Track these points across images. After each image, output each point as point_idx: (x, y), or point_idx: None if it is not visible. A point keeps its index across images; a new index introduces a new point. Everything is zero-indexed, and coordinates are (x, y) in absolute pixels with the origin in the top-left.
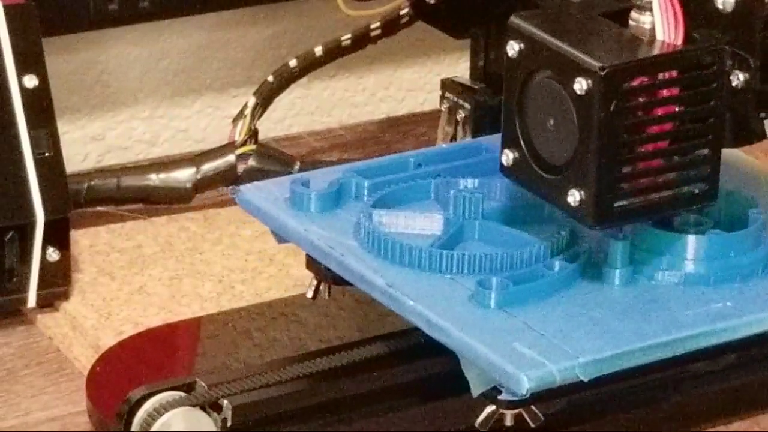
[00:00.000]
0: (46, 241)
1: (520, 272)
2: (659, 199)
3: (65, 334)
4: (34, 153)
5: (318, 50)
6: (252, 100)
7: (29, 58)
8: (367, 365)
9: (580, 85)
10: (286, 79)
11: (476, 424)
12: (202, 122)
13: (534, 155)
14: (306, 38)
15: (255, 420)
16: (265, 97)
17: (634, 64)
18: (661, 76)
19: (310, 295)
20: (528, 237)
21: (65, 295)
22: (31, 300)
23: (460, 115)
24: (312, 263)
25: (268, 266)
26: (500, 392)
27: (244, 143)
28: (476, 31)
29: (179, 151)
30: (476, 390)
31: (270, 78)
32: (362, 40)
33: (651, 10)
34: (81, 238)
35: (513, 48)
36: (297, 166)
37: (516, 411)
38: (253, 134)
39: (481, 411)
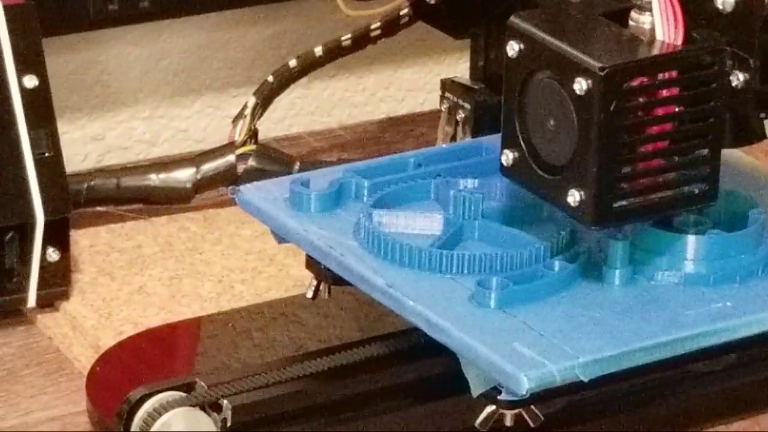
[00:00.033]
0: (46, 241)
1: (520, 272)
2: (659, 199)
3: (65, 334)
4: (34, 153)
5: (318, 50)
6: (252, 100)
7: (29, 58)
8: (367, 365)
9: (580, 85)
10: (286, 79)
11: (476, 424)
12: (202, 122)
13: (534, 155)
14: (306, 38)
15: (255, 420)
16: (265, 97)
17: (633, 64)
18: (660, 76)
19: (310, 295)
20: (528, 237)
21: (65, 295)
22: (31, 300)
23: (460, 115)
24: (312, 263)
25: (268, 266)
26: (500, 392)
27: (244, 143)
28: (476, 31)
29: (179, 151)
30: (476, 390)
31: (270, 78)
32: (362, 40)
33: (651, 10)
34: (81, 238)
35: (513, 48)
36: (297, 166)
37: (516, 411)
38: (253, 134)
39: (481, 411)
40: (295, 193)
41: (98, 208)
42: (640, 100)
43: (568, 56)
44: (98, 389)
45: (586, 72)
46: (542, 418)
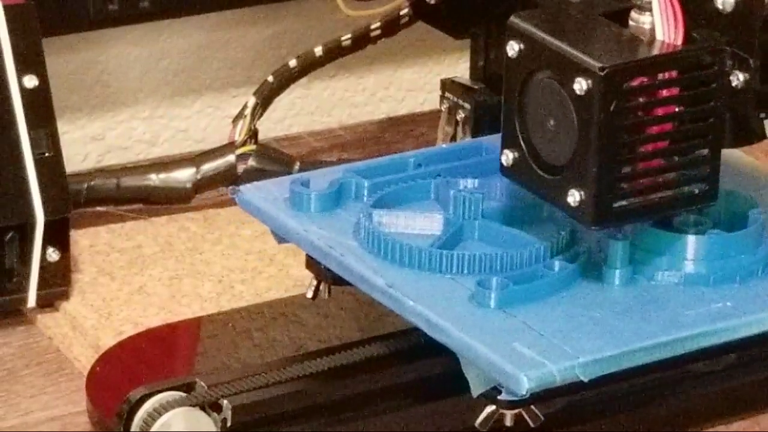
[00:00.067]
0: (46, 241)
1: (520, 272)
2: (659, 199)
3: (65, 334)
4: (34, 153)
5: (318, 50)
6: (252, 100)
7: (29, 58)
8: (367, 365)
9: (580, 85)
10: (286, 79)
11: (476, 424)
12: (202, 122)
13: (534, 155)
14: (306, 38)
15: (255, 420)
16: (265, 97)
17: (633, 64)
18: (660, 76)
19: (310, 295)
20: (528, 237)
21: (65, 295)
22: (31, 300)
23: (460, 115)
24: (312, 263)
25: (268, 266)
26: (500, 392)
27: (244, 143)
28: (476, 31)
29: (179, 151)
30: (476, 390)
31: (270, 78)
32: (362, 40)
33: (651, 10)
34: (81, 238)
35: (513, 48)
36: (297, 166)
37: (516, 411)
38: (253, 134)
39: (481, 411)
40: (295, 193)
41: (98, 208)
42: (640, 100)
43: (568, 56)
44: (98, 389)
45: (586, 72)
46: (542, 418)
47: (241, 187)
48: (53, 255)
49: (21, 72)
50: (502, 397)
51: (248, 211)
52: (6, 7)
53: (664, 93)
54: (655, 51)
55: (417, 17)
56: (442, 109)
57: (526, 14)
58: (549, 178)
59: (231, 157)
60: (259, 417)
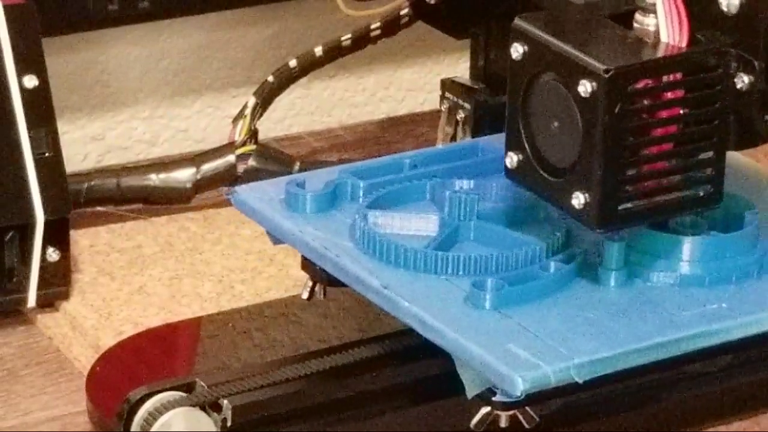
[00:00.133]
0: (46, 241)
1: (515, 273)
2: (664, 201)
3: (65, 334)
4: (34, 153)
5: (318, 50)
6: (252, 100)
7: (29, 58)
8: (366, 366)
9: (585, 87)
10: (286, 79)
11: (471, 426)
12: (202, 122)
13: (538, 158)
14: (306, 38)
15: (255, 420)
16: (265, 97)
17: (638, 66)
18: (665, 78)
19: (305, 296)
20: (523, 238)
21: (65, 295)
22: (31, 300)
23: (460, 115)
24: (307, 264)
25: (268, 266)
26: (495, 393)
27: (244, 143)
28: (476, 31)
29: (179, 151)
30: (471, 391)
31: (270, 78)
32: (362, 40)
33: (655, 12)
34: (81, 238)
35: (517, 50)
36: (297, 166)
37: (511, 412)
38: (253, 134)
39: (476, 412)
40: (290, 193)
41: (98, 208)
42: (645, 102)
43: (573, 58)
44: (98, 389)
45: (590, 74)
46: (537, 419)
47: (237, 188)
48: (53, 255)
49: (21, 72)
50: (497, 398)
51: (244, 211)
52: (6, 7)
53: (669, 95)
54: (660, 53)
55: (417, 17)
56: (442, 109)
57: (531, 16)
58: (553, 181)
59: (231, 157)
60: (259, 417)
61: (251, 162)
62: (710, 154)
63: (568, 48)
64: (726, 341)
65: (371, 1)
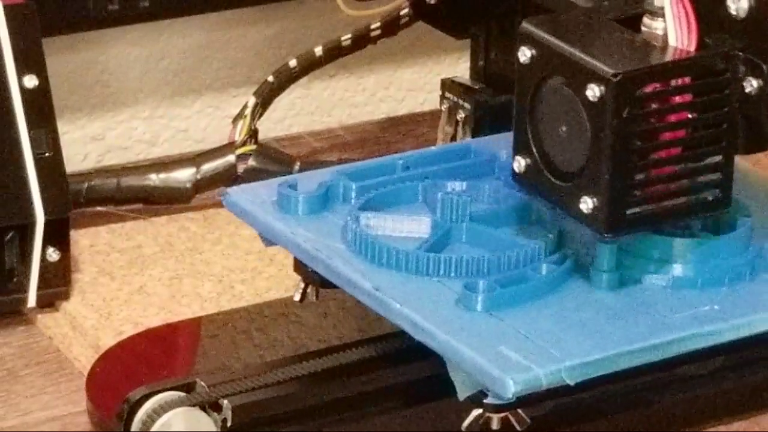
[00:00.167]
0: (46, 241)
1: (507, 275)
2: (672, 206)
3: (65, 334)
4: (34, 153)
5: (318, 50)
6: (252, 100)
7: (29, 58)
8: (356, 368)
9: (593, 91)
10: (286, 79)
11: (462, 428)
12: (202, 122)
13: (546, 162)
14: (306, 38)
15: (255, 420)
16: (265, 97)
17: (646, 70)
18: (673, 82)
19: (297, 298)
20: (515, 240)
21: (65, 295)
22: (31, 300)
23: (460, 115)
24: (299, 266)
25: (268, 266)
26: (487, 396)
27: (244, 143)
28: (476, 31)
29: (179, 151)
30: (462, 393)
31: (270, 78)
32: (362, 40)
33: (663, 15)
34: (81, 238)
35: (525, 54)
36: (297, 166)
37: (502, 414)
38: (253, 134)
39: (468, 414)
40: (282, 195)
41: (98, 208)
42: (653, 106)
43: (581, 62)
44: (98, 389)
45: (599, 78)
46: (529, 421)
47: (229, 190)
48: (53, 255)
49: (21, 72)
50: (489, 400)
51: (236, 213)
52: (6, 7)
53: (677, 99)
54: (668, 57)
55: (417, 17)
56: (442, 109)
57: (538, 20)
58: (561, 185)
59: (231, 157)
60: (259, 417)
61: (251, 162)
62: (718, 158)
63: (576, 52)
64: (718, 343)
65: (371, 1)
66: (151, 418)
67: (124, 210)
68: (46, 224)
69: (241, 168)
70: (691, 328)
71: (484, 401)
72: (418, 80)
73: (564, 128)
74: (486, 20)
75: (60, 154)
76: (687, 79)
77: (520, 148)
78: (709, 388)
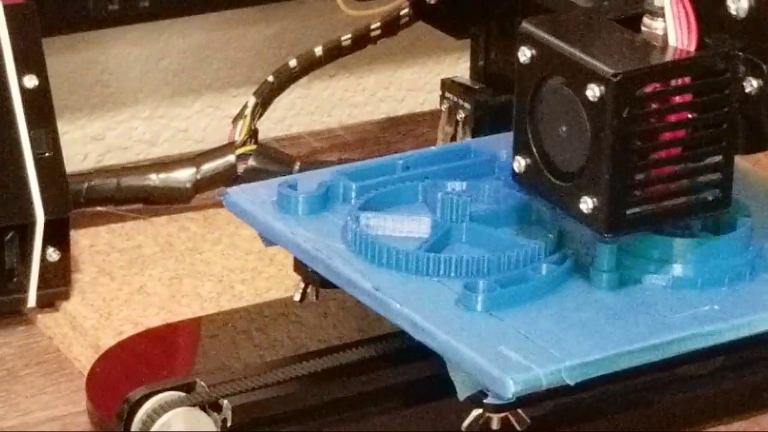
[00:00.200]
0: (46, 241)
1: (507, 275)
2: (672, 206)
3: (65, 334)
4: (34, 153)
5: (318, 50)
6: (252, 100)
7: (29, 58)
8: (356, 368)
9: (593, 91)
10: (286, 79)
11: (462, 428)
12: (202, 122)
13: (546, 162)
14: (306, 38)
15: (255, 420)
16: (265, 97)
17: (646, 70)
18: (673, 82)
19: (297, 298)
20: (515, 240)
21: (65, 295)
22: (31, 300)
23: (460, 115)
24: (299, 266)
25: (268, 266)
26: (487, 396)
27: (244, 143)
28: (476, 31)
29: (179, 151)
30: (462, 393)
31: (270, 78)
32: (362, 40)
33: (663, 15)
34: (81, 238)
35: (525, 54)
36: (297, 166)
37: (502, 414)
38: (253, 134)
39: (468, 414)
40: (282, 195)
41: (98, 208)
42: (653, 106)
43: (581, 62)
44: (98, 389)
45: (598, 78)
46: (529, 421)
47: (229, 190)
48: (53, 255)
49: (21, 72)
50: (489, 400)
51: (236, 213)
52: (6, 7)
53: (677, 99)
54: (668, 57)
55: (417, 17)
56: (442, 109)
57: (538, 20)
58: (561, 185)
59: (231, 157)
60: (259, 417)
61: (251, 162)
62: (718, 158)
63: (576, 52)
64: (718, 343)
65: (371, 1)
66: (151, 418)
67: (124, 210)
68: (46, 224)
69: (241, 168)
70: (691, 328)
71: (484, 401)
72: (418, 80)
73: (564, 128)
74: (486, 20)
75: (60, 154)
76: (687, 79)
77: (520, 148)
78: (709, 388)
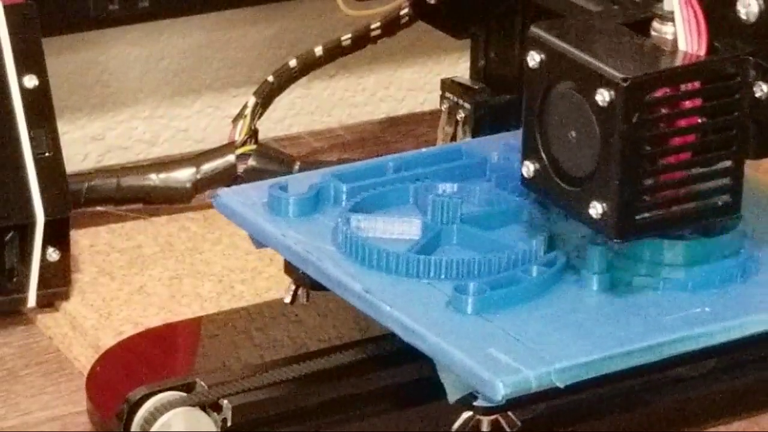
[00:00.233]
0: (46, 241)
1: (497, 277)
2: (682, 211)
3: (65, 334)
4: (34, 153)
5: (318, 50)
6: (252, 100)
7: (29, 58)
8: (346, 370)
9: (603, 96)
10: (286, 79)
11: (453, 430)
12: (202, 122)
13: (555, 167)
14: (306, 38)
15: (255, 420)
16: (265, 97)
17: (656, 75)
18: (683, 87)
19: (288, 300)
20: (506, 242)
21: (65, 295)
22: (31, 300)
23: (460, 115)
24: (290, 268)
25: (268, 266)
26: (477, 398)
27: (244, 143)
28: (476, 31)
29: (179, 151)
30: (452, 396)
31: (270, 78)
32: (362, 40)
33: (673, 20)
34: (81, 238)
35: (534, 59)
36: (297, 166)
37: (492, 417)
38: (253, 134)
39: (458, 417)
40: (273, 197)
41: (98, 208)
42: (663, 111)
43: (591, 67)
44: (98, 389)
45: (608, 83)
46: (519, 424)
47: (220, 191)
48: (53, 255)
49: (21, 72)
50: (479, 403)
51: (226, 215)
52: (6, 7)
53: (687, 104)
54: (678, 62)
55: (417, 17)
56: (442, 109)
57: (547, 24)
58: (570, 190)
59: (231, 157)
60: (259, 417)
61: (251, 162)
62: (728, 163)
63: (585, 57)
64: (709, 345)
65: (371, 1)
66: (152, 417)
67: (124, 210)
68: (46, 224)
69: (241, 168)
70: (682, 331)
71: (474, 404)
72: (418, 80)
73: (573, 133)
74: (486, 20)
75: (60, 154)
76: (697, 84)
77: (528, 153)
78: (701, 390)
